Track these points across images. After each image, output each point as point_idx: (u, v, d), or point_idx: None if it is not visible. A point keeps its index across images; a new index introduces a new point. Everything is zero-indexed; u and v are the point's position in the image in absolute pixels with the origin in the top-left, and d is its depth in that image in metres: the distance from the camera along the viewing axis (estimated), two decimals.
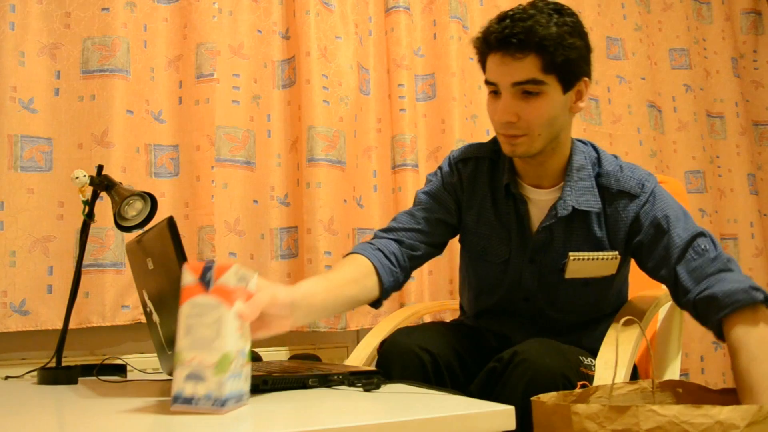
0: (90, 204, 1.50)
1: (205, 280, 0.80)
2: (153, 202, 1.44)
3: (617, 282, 1.35)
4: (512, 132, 1.19)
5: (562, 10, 1.17)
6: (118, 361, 1.62)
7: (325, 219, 1.94)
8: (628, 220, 1.25)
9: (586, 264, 1.26)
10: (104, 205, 1.70)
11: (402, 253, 1.30)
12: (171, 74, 1.94)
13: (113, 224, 1.47)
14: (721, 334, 1.11)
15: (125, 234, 1.75)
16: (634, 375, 1.40)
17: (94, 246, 1.74)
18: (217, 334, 0.78)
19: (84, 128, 1.79)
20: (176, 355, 0.80)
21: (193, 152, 1.90)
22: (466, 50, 2.26)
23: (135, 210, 1.45)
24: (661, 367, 1.54)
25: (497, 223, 1.33)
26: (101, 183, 1.48)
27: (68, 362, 1.53)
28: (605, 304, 1.36)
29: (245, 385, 0.85)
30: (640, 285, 1.50)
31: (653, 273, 1.24)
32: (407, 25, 2.19)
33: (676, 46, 2.67)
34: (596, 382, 1.13)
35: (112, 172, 1.73)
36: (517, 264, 1.32)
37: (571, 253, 1.26)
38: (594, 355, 1.20)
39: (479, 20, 2.32)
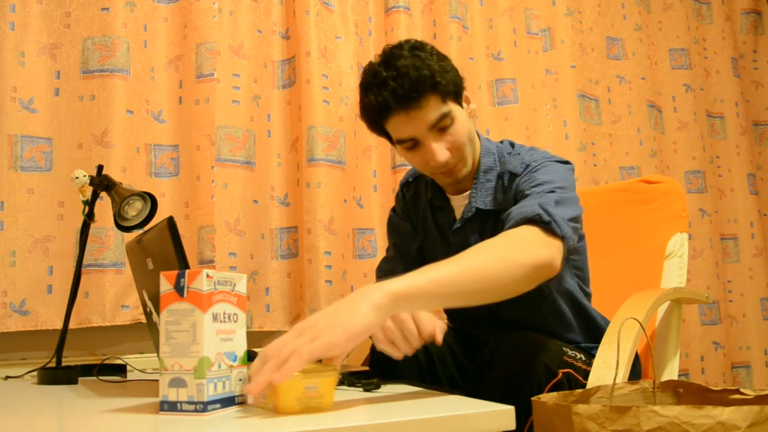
0: (90, 204, 1.50)
1: (179, 287, 0.81)
2: (153, 202, 1.44)
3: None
4: (448, 167, 1.24)
5: (420, 47, 1.20)
6: (118, 361, 1.62)
7: (325, 219, 1.94)
8: (511, 196, 1.24)
9: None
10: (104, 205, 1.70)
11: None
12: (171, 74, 1.94)
13: (113, 224, 1.47)
14: None
15: (125, 234, 1.75)
16: (638, 372, 1.40)
17: (94, 246, 1.74)
18: (193, 340, 0.80)
19: (84, 128, 1.79)
20: (160, 361, 0.82)
21: (193, 152, 1.90)
22: (466, 50, 2.26)
23: (135, 210, 1.45)
24: (659, 366, 1.54)
25: (437, 233, 1.39)
26: (101, 183, 1.48)
27: (68, 362, 1.53)
28: (556, 296, 1.32)
29: (237, 388, 0.86)
30: (641, 285, 1.50)
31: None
32: (407, 25, 2.19)
33: (676, 46, 2.67)
34: (596, 382, 1.13)
35: (112, 172, 1.73)
36: None
37: None
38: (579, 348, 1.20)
39: (479, 20, 2.32)
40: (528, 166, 1.23)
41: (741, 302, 2.56)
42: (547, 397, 0.97)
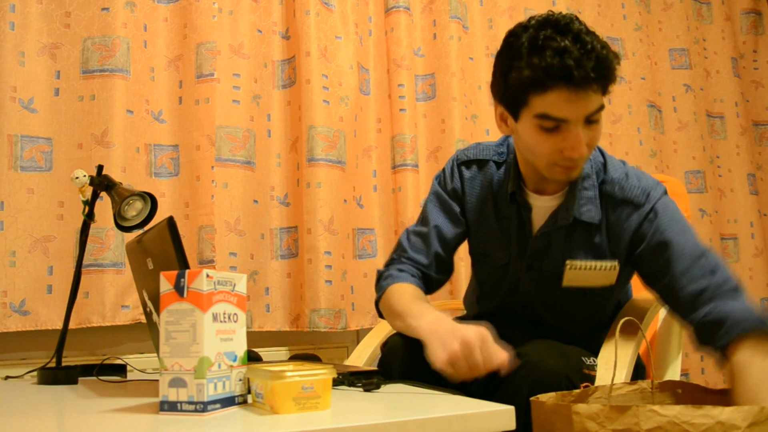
0: (90, 204, 1.50)
1: (179, 287, 0.81)
2: (153, 202, 1.44)
3: (616, 293, 1.31)
4: (578, 162, 1.15)
5: (592, 32, 1.09)
6: (118, 361, 1.62)
7: (325, 219, 1.94)
8: (630, 231, 1.21)
9: (584, 273, 1.23)
10: (104, 205, 1.70)
11: (432, 277, 1.36)
12: (171, 74, 1.94)
13: (113, 224, 1.47)
14: (721, 357, 1.06)
15: (125, 234, 1.75)
16: (641, 373, 1.39)
17: (94, 246, 1.74)
18: (193, 339, 0.80)
19: (84, 128, 1.79)
20: (160, 362, 0.82)
21: (193, 152, 1.90)
22: (466, 50, 2.26)
23: (135, 210, 1.45)
24: (661, 367, 1.54)
25: (497, 227, 1.31)
26: (101, 183, 1.48)
27: (68, 362, 1.53)
28: (604, 314, 1.34)
29: (237, 388, 0.86)
30: (642, 287, 1.50)
31: (653, 286, 1.20)
32: (407, 25, 2.19)
33: (676, 46, 2.67)
34: (596, 382, 1.13)
35: (112, 172, 1.73)
36: (516, 270, 1.30)
37: (568, 261, 1.23)
38: (597, 355, 1.20)
39: (479, 20, 2.32)
40: (655, 210, 1.19)
41: None
42: (547, 397, 0.97)
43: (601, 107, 1.11)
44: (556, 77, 1.05)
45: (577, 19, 1.10)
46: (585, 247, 1.23)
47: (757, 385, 0.97)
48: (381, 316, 1.34)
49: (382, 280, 1.32)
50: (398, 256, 1.36)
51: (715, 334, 1.06)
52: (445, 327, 1.05)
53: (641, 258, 1.20)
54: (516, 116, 1.16)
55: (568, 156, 1.12)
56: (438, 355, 1.01)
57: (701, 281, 1.11)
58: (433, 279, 1.35)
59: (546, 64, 1.05)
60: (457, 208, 1.35)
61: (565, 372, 1.08)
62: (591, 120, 1.11)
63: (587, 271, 1.23)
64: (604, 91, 1.10)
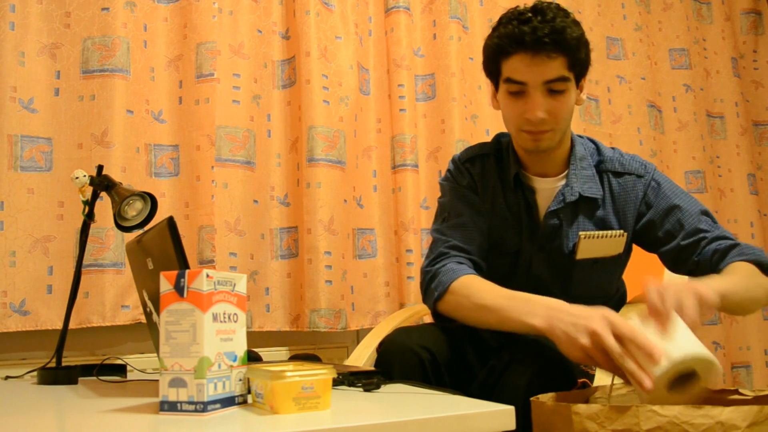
0: (90, 204, 1.50)
1: (179, 287, 0.81)
2: (153, 202, 1.44)
3: (621, 264, 1.39)
4: (540, 128, 1.24)
5: (568, 13, 1.24)
6: (118, 361, 1.62)
7: (325, 219, 1.94)
8: (638, 199, 1.32)
9: (596, 243, 1.30)
10: (104, 205, 1.70)
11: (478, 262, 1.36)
12: (171, 74, 1.94)
13: (113, 224, 1.47)
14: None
15: (125, 234, 1.75)
16: None
17: (94, 246, 1.74)
18: (193, 339, 0.80)
19: (84, 128, 1.79)
20: (160, 362, 0.82)
21: (193, 152, 1.90)
22: (466, 50, 2.26)
23: (135, 210, 1.45)
24: None
25: (509, 213, 1.35)
26: (101, 183, 1.48)
27: (68, 362, 1.53)
28: (611, 286, 1.41)
29: (237, 388, 0.86)
30: (640, 285, 1.50)
31: (666, 245, 1.30)
32: (407, 25, 2.19)
33: (676, 46, 2.67)
34: (596, 382, 1.13)
35: (112, 172, 1.73)
36: (528, 253, 1.35)
37: (581, 233, 1.30)
38: None
39: (479, 20, 2.32)
40: (655, 179, 1.33)
41: None
42: (546, 398, 0.97)
43: (564, 78, 1.21)
44: (514, 43, 1.20)
45: (556, 4, 1.23)
46: (591, 221, 1.32)
47: (732, 272, 1.16)
48: (439, 317, 1.31)
49: (440, 277, 1.26)
50: (446, 250, 1.32)
51: (715, 260, 1.23)
52: (564, 319, 1.00)
53: (653, 223, 1.31)
54: (496, 87, 1.31)
55: (527, 118, 1.23)
56: (573, 355, 0.98)
57: (717, 231, 1.27)
58: (483, 268, 1.33)
59: (508, 31, 1.21)
60: (479, 201, 1.37)
61: (562, 367, 1.10)
62: (553, 90, 1.22)
63: (599, 240, 1.30)
64: (568, 63, 1.21)
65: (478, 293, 1.19)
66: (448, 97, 2.18)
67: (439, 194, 1.45)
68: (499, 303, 1.13)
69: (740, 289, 1.10)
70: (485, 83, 2.28)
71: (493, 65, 1.28)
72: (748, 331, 2.53)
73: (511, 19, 1.22)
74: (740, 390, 1.03)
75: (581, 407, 0.85)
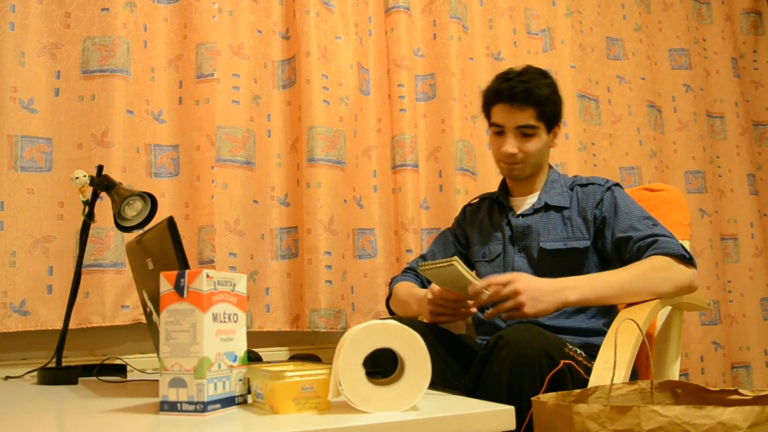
0: (90, 204, 1.50)
1: (179, 287, 0.81)
2: (153, 202, 1.44)
3: (589, 260, 1.56)
4: (513, 161, 1.59)
5: (546, 74, 1.60)
6: (118, 361, 1.62)
7: (325, 219, 1.94)
8: (595, 201, 1.57)
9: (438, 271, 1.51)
10: (104, 205, 1.70)
11: None
12: (171, 74, 1.94)
13: (113, 224, 1.47)
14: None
15: (125, 234, 1.75)
16: (633, 377, 1.41)
17: (94, 246, 1.74)
18: (193, 340, 0.80)
19: (84, 128, 1.79)
20: (160, 362, 0.82)
21: (193, 152, 1.90)
22: (466, 50, 2.26)
23: (135, 210, 1.45)
24: (660, 371, 1.54)
25: (491, 227, 1.69)
26: (101, 183, 1.49)
27: (68, 362, 1.53)
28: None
29: (237, 388, 0.86)
30: None
31: (609, 238, 1.51)
32: (407, 25, 2.19)
33: (676, 46, 2.67)
34: (595, 382, 1.13)
35: (112, 172, 1.73)
36: (510, 255, 1.62)
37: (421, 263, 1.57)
38: (583, 343, 1.38)
39: (479, 20, 2.32)
40: (612, 188, 1.58)
41: (741, 302, 2.56)
42: (547, 397, 0.97)
43: (532, 126, 1.55)
44: (497, 96, 1.58)
45: (539, 69, 1.61)
46: (559, 223, 1.58)
47: (633, 267, 1.39)
48: (391, 313, 1.75)
49: (391, 285, 1.79)
50: (404, 270, 1.83)
51: (641, 254, 1.43)
52: (413, 298, 1.60)
53: (604, 221, 1.53)
54: (490, 127, 1.65)
55: (503, 152, 1.58)
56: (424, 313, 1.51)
57: (648, 230, 1.46)
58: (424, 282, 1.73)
59: (495, 86, 1.60)
60: (452, 238, 1.79)
61: (546, 349, 1.15)
62: (525, 133, 1.56)
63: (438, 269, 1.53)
64: (537, 114, 1.54)
65: (399, 292, 1.70)
66: (448, 97, 2.18)
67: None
68: (405, 299, 1.65)
69: (623, 283, 1.36)
70: (485, 83, 2.27)
71: (485, 110, 1.65)
72: (748, 331, 2.53)
73: (500, 77, 1.59)
74: (740, 390, 1.03)
75: (582, 407, 0.85)
